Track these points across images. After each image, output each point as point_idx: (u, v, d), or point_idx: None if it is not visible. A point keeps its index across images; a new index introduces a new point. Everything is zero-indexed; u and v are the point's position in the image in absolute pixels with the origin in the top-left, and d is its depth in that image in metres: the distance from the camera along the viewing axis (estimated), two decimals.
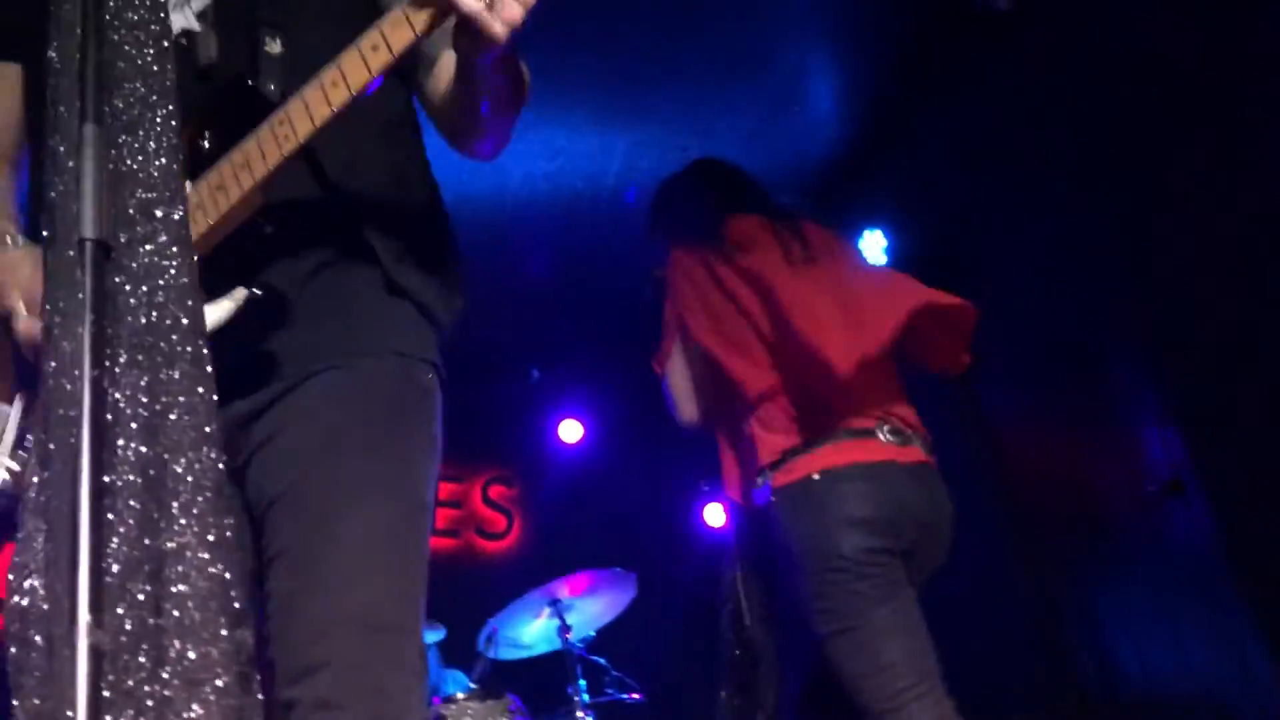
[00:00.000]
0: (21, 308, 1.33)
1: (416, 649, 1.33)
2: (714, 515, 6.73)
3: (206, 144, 1.39)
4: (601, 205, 5.48)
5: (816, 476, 2.65)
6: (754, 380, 2.84)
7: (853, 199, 5.62)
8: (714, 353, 2.93)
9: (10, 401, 1.37)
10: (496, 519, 6.82)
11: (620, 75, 4.60)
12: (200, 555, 0.93)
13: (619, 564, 4.49)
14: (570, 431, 6.92)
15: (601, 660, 4.56)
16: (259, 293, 1.37)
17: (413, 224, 1.63)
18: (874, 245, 5.50)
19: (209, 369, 1.03)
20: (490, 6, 1.23)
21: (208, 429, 1.00)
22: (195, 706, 0.84)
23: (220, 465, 0.99)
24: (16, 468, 1.30)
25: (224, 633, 0.89)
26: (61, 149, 1.02)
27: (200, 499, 0.97)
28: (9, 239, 1.44)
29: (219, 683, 0.86)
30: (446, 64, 1.61)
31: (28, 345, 1.32)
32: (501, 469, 6.92)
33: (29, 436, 1.28)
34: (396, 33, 1.28)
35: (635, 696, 4.51)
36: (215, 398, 1.02)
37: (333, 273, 1.49)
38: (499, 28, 1.24)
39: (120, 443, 0.92)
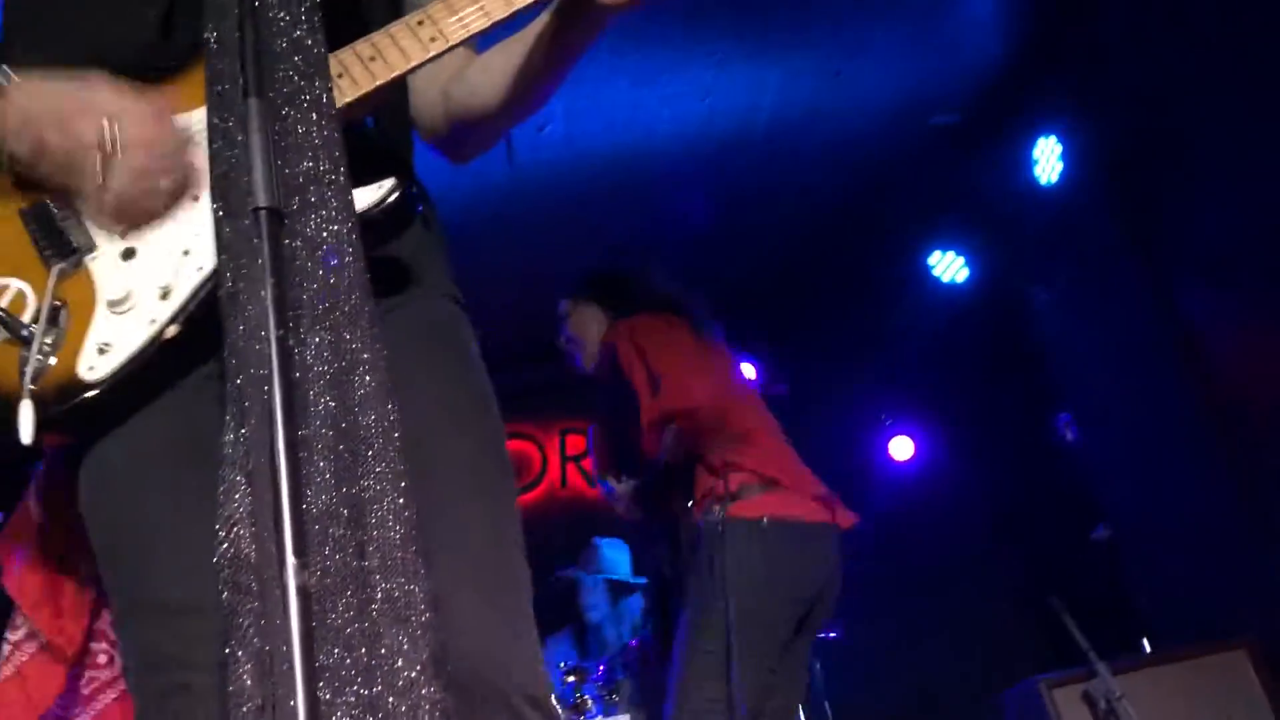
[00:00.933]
0: (106, 128, 1.18)
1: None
2: (900, 448, 6.60)
3: None
4: (756, 143, 5.38)
5: (765, 523, 3.20)
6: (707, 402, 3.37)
7: (1019, 106, 5.34)
8: (680, 375, 3.39)
9: (33, 269, 1.26)
10: None
11: (765, 5, 4.47)
12: (396, 500, 0.96)
13: None
14: (746, 376, 6.88)
15: None
16: (408, 189, 1.31)
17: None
18: (1048, 154, 5.23)
19: (379, 329, 1.05)
20: None
21: (389, 385, 1.03)
22: (403, 641, 0.86)
23: (398, 417, 1.02)
24: (50, 342, 1.21)
25: (422, 571, 0.91)
26: (229, 124, 1.05)
27: (389, 449, 1.00)
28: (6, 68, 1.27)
29: (423, 618, 0.88)
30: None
31: (129, 180, 1.20)
32: None
33: (64, 315, 1.21)
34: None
35: (831, 635, 4.48)
36: (386, 353, 1.05)
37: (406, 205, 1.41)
38: None
39: (311, 397, 0.96)
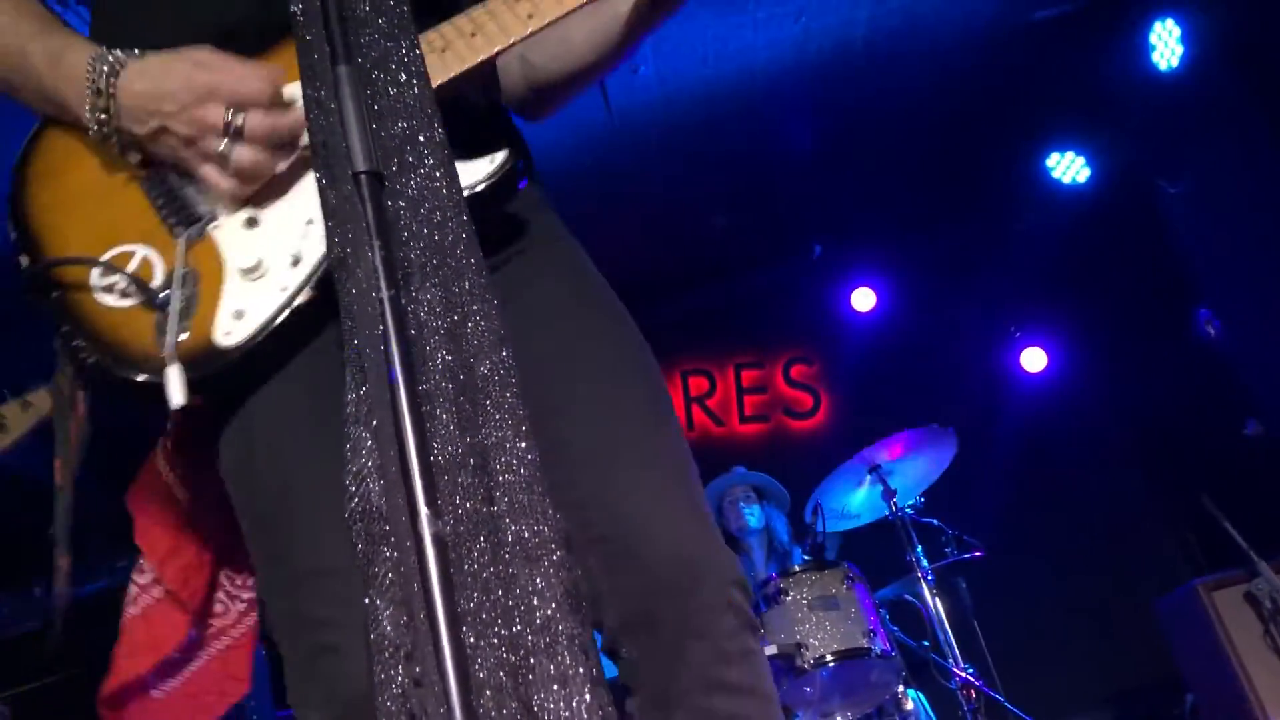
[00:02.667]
0: (223, 111, 1.21)
1: None
2: (1031, 359, 6.42)
3: None
4: (854, 61, 5.23)
5: None
6: None
7: None
8: None
9: (151, 241, 1.28)
10: (802, 398, 6.83)
11: None
12: (518, 445, 0.97)
13: (935, 422, 4.37)
14: (863, 299, 6.78)
15: (934, 521, 4.48)
16: (518, 161, 1.34)
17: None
18: (1166, 38, 4.95)
19: (488, 277, 1.07)
20: None
21: (501, 331, 1.05)
22: (538, 580, 0.88)
23: (513, 363, 1.04)
24: (186, 308, 1.24)
25: (551, 511, 0.92)
26: (322, 94, 1.06)
27: (508, 395, 1.02)
28: (121, 51, 1.27)
29: (555, 556, 0.89)
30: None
31: (251, 152, 1.23)
32: (799, 348, 6.89)
33: (198, 280, 1.24)
34: None
35: (976, 554, 4.41)
36: (497, 301, 1.06)
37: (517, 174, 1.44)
38: None
39: (428, 351, 0.98)
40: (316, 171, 1.07)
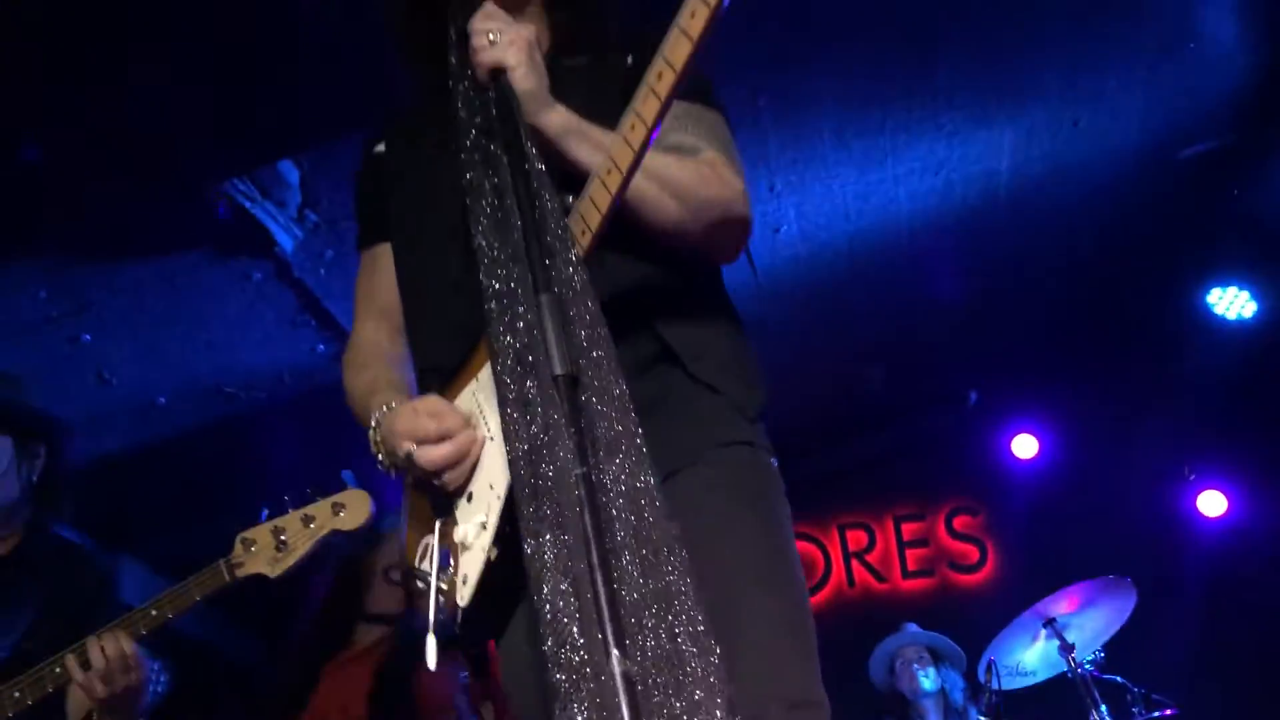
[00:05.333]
0: (413, 447, 1.59)
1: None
2: (1210, 503, 6.11)
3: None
4: (1000, 207, 5.26)
5: None
6: None
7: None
8: None
9: (432, 530, 1.63)
10: (968, 550, 6.63)
11: (991, 65, 4.41)
12: (691, 593, 1.07)
13: (1110, 572, 4.20)
14: (1025, 447, 6.61)
15: (1118, 678, 4.24)
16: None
17: (701, 317, 1.77)
18: None
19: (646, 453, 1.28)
20: None
21: (660, 499, 1.24)
22: (718, 713, 0.93)
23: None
24: (445, 586, 1.56)
25: (720, 650, 1.04)
26: (520, 308, 1.36)
27: (678, 549, 1.17)
28: (393, 403, 1.70)
29: (728, 689, 0.96)
30: None
31: (429, 472, 1.58)
32: (962, 499, 6.73)
33: (450, 558, 1.57)
34: (677, 48, 1.43)
35: (1168, 712, 4.14)
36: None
37: (648, 370, 1.66)
38: None
39: (614, 513, 1.17)
40: (507, 377, 1.36)
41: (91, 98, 3.47)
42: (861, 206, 5.05)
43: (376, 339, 1.94)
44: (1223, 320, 5.88)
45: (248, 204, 3.93)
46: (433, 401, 1.65)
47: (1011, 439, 6.63)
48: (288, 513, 2.49)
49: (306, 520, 2.48)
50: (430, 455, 1.57)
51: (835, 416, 6.52)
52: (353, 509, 2.48)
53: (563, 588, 1.05)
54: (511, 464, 1.33)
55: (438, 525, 1.61)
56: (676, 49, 1.43)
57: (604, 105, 1.66)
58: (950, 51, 4.29)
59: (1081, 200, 5.31)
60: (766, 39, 3.96)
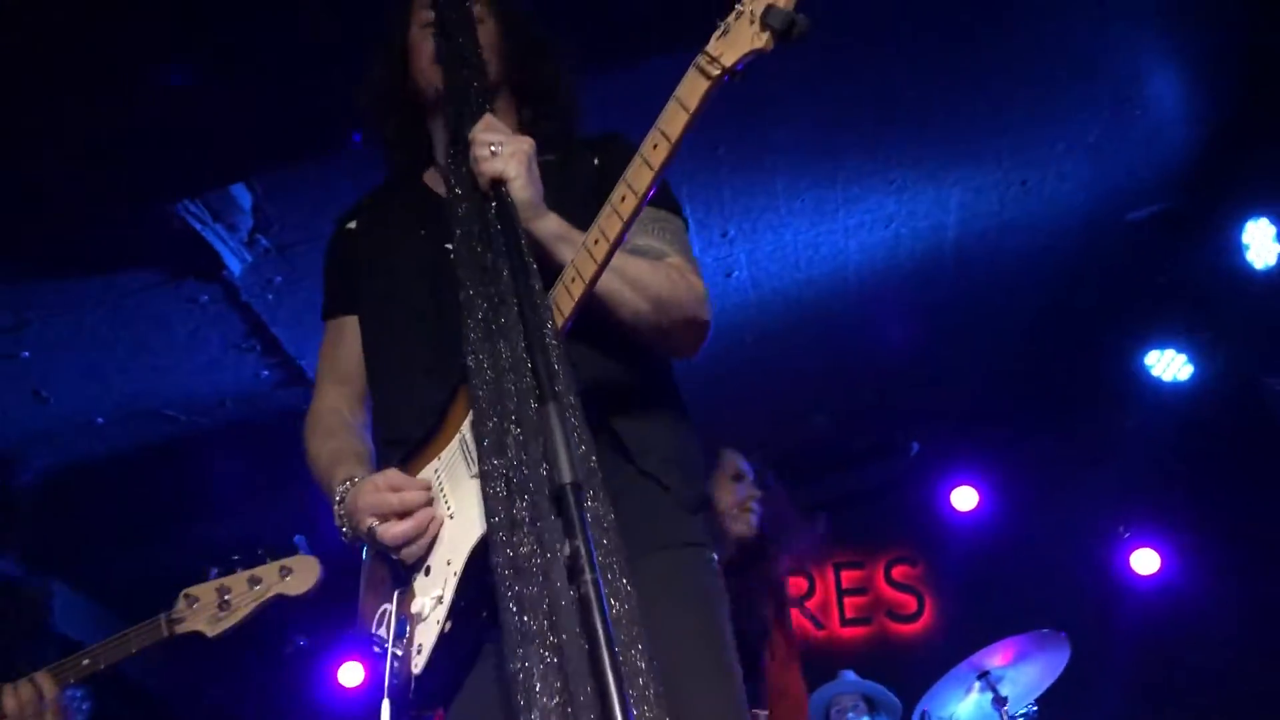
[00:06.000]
0: (375, 522, 1.68)
1: None
2: (1143, 561, 6.19)
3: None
4: (945, 264, 5.35)
5: None
6: None
7: (1225, 192, 5.12)
8: None
9: (390, 599, 1.71)
10: (906, 600, 6.66)
11: (943, 124, 4.50)
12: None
13: (1045, 626, 4.24)
14: (965, 499, 6.67)
15: None
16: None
17: (651, 410, 1.89)
18: (1261, 237, 4.98)
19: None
20: None
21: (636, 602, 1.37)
22: None
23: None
24: (400, 653, 1.64)
25: None
26: (519, 432, 1.46)
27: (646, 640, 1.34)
28: (356, 479, 1.79)
29: None
30: None
31: (390, 547, 1.68)
32: (902, 548, 6.77)
33: (406, 627, 1.65)
34: (674, 121, 1.57)
35: None
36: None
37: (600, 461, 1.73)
38: None
39: (622, 626, 1.30)
40: (502, 489, 1.47)
41: (42, 114, 3.43)
42: (812, 256, 5.11)
43: (337, 406, 2.04)
44: (1159, 382, 5.99)
45: (198, 226, 3.88)
46: (394, 475, 1.74)
47: (952, 490, 6.68)
48: (236, 572, 2.50)
49: (253, 582, 2.49)
50: (391, 531, 1.67)
51: (777, 463, 6.54)
52: (300, 574, 2.50)
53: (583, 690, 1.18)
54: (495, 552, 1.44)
55: (396, 595, 1.70)
56: (639, 176, 1.58)
57: (572, 202, 1.79)
58: (904, 109, 4.38)
59: (1026, 258, 5.41)
60: (726, 90, 4.02)
